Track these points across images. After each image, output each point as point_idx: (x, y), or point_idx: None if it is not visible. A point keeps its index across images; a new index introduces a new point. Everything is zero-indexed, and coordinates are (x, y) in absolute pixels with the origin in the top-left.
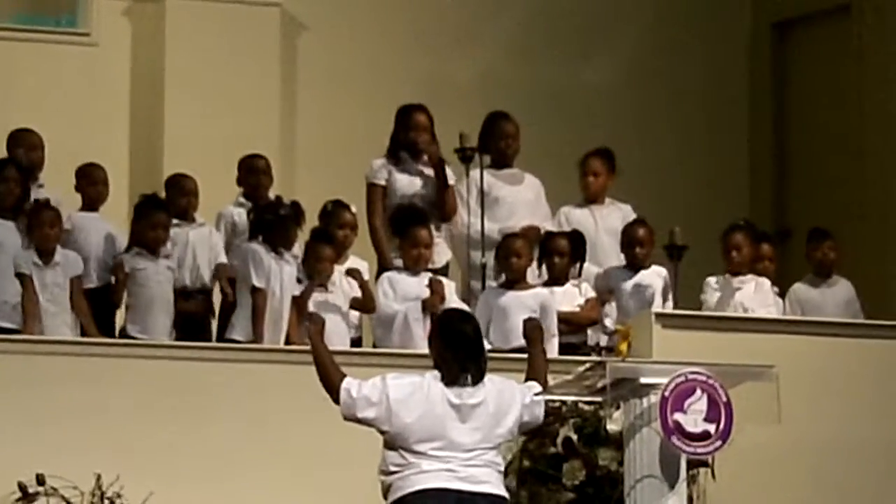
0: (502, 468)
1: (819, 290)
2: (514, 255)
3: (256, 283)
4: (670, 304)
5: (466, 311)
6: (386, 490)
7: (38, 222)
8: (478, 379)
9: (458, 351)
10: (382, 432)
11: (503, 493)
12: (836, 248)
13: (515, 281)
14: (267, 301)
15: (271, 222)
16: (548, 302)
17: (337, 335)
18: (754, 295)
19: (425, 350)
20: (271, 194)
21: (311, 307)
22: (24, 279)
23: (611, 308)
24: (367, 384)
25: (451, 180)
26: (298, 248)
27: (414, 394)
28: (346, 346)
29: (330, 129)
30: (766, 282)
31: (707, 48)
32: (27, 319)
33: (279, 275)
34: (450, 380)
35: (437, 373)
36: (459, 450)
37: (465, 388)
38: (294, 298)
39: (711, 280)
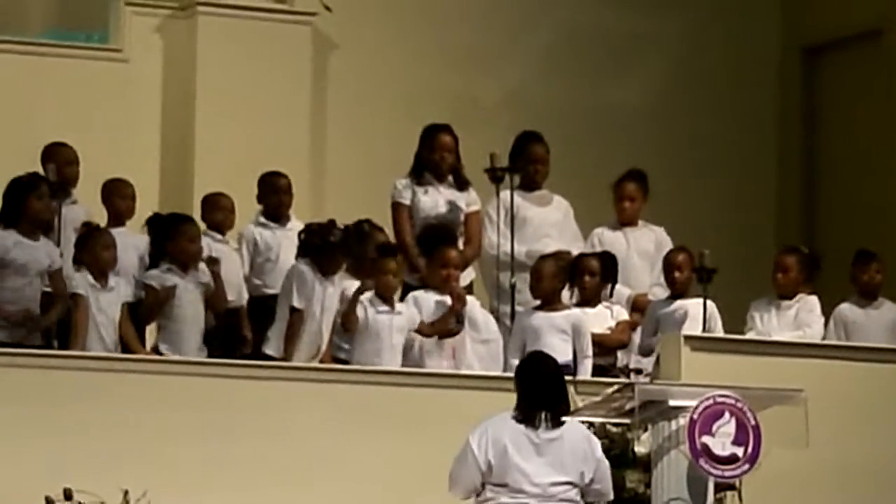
0: None
1: (864, 312)
2: (543, 278)
3: (296, 303)
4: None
5: (547, 354)
6: None
7: (93, 246)
8: (556, 420)
9: (536, 392)
10: None
11: None
12: (883, 270)
13: (547, 303)
14: (304, 322)
15: (320, 247)
16: (580, 322)
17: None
18: (796, 317)
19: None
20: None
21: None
22: (78, 299)
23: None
24: (462, 464)
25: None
26: None
27: (494, 440)
28: (399, 364)
29: (359, 146)
30: (811, 300)
31: (737, 71)
32: (76, 338)
33: (321, 297)
34: (526, 417)
35: (514, 411)
36: (536, 483)
37: (540, 427)
38: (343, 317)
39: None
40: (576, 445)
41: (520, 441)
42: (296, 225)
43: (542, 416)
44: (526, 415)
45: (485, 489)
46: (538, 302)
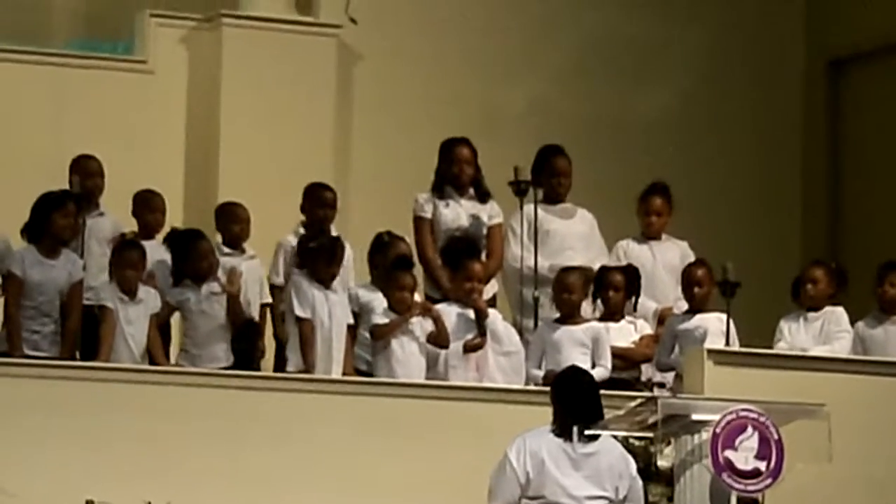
0: None
1: (883, 328)
2: (566, 291)
3: (300, 313)
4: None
5: (583, 368)
6: None
7: (122, 262)
8: (589, 436)
9: (572, 406)
10: None
11: None
12: None
13: (569, 316)
14: (315, 331)
15: (318, 253)
16: (600, 335)
17: (417, 366)
18: (822, 330)
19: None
20: None
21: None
22: (105, 311)
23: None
24: (501, 478)
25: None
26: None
27: (532, 453)
28: (423, 377)
29: (384, 157)
30: (837, 310)
31: (761, 85)
32: (103, 350)
33: (325, 304)
34: (562, 432)
35: (552, 425)
36: (573, 496)
37: (577, 441)
38: (373, 328)
39: (783, 324)
40: (612, 461)
41: (557, 455)
42: None
43: (579, 430)
44: (563, 429)
45: (521, 502)
46: (557, 315)
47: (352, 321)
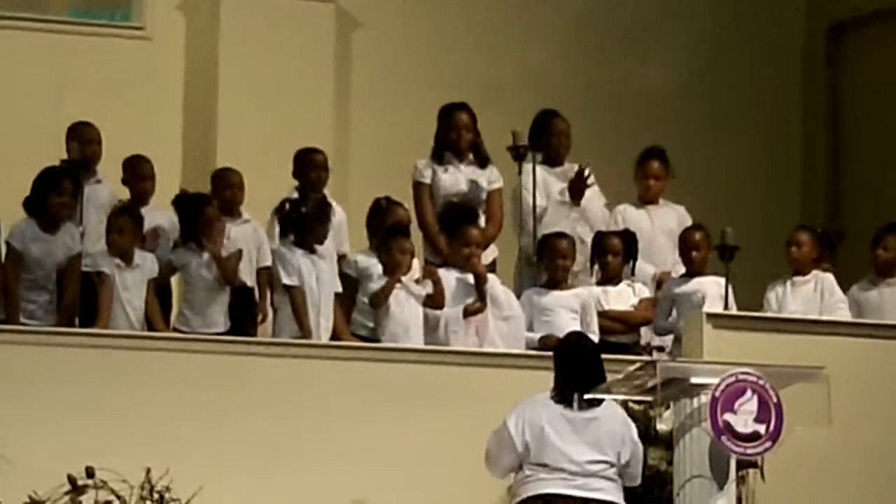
0: (621, 486)
1: (878, 291)
2: (559, 257)
3: (287, 280)
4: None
5: (584, 335)
6: (511, 497)
7: (111, 228)
8: (589, 402)
9: (573, 372)
10: None
11: (619, 501)
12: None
13: (560, 281)
14: (305, 297)
15: (295, 220)
16: (589, 302)
17: (417, 328)
18: (813, 295)
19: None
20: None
21: (394, 302)
22: (103, 278)
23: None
24: (499, 446)
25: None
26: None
27: (531, 421)
28: (422, 342)
29: (383, 125)
30: (828, 277)
31: (761, 49)
32: (100, 317)
33: (313, 271)
34: (563, 398)
35: (552, 391)
36: (575, 461)
37: (578, 407)
38: (372, 296)
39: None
40: (614, 427)
41: (557, 421)
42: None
43: (579, 396)
44: (563, 395)
45: (523, 468)
46: (544, 279)
47: (339, 287)
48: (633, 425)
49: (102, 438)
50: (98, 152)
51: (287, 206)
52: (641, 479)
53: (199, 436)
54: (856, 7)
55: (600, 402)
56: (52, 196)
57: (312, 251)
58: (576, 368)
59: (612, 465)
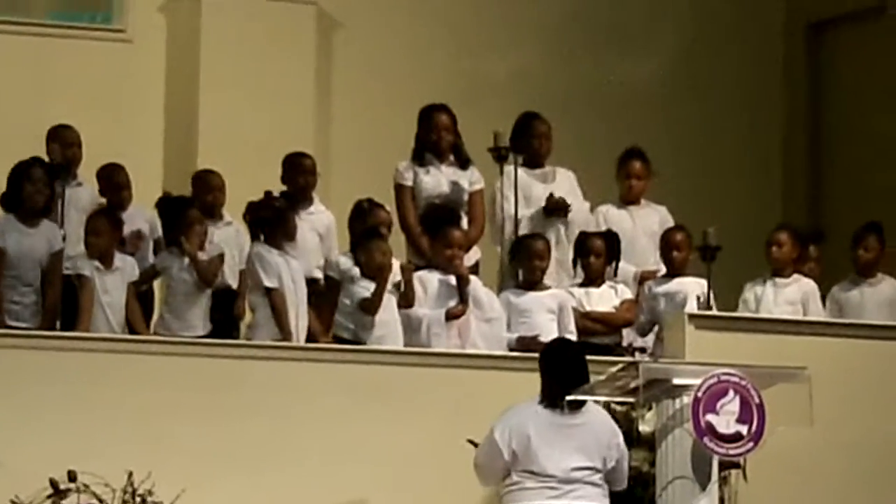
0: (606, 491)
1: (859, 290)
2: (536, 258)
3: (268, 283)
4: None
5: (570, 340)
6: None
7: (88, 231)
8: (576, 405)
9: (559, 378)
10: None
11: None
12: (878, 246)
13: (536, 282)
14: (285, 299)
15: (269, 219)
16: (566, 302)
17: (399, 330)
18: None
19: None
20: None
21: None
22: (83, 280)
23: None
24: (486, 455)
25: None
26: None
27: (518, 430)
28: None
29: (365, 126)
30: (811, 284)
31: (742, 48)
32: (82, 319)
33: (288, 270)
34: (549, 403)
35: (538, 397)
36: (562, 467)
37: (565, 412)
38: (364, 301)
39: (751, 284)
40: (600, 432)
41: (544, 427)
42: (319, 208)
43: (567, 401)
44: (550, 400)
45: (511, 475)
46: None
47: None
48: (618, 430)
49: (84, 442)
50: (78, 155)
51: (257, 206)
52: None
53: (181, 439)
54: (834, 6)
55: (585, 406)
56: (26, 185)
57: (285, 251)
58: (563, 373)
59: (598, 471)
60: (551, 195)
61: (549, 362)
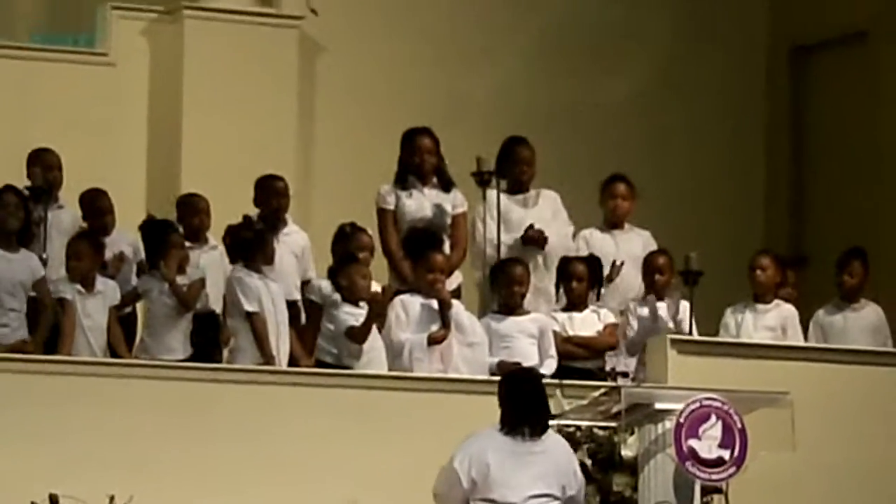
0: None
1: (843, 315)
2: (515, 283)
3: (249, 307)
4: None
5: (530, 369)
6: None
7: (69, 254)
8: (537, 433)
9: (518, 407)
10: None
11: None
12: (861, 272)
13: (516, 307)
14: (266, 323)
15: (250, 241)
16: (546, 326)
17: (381, 354)
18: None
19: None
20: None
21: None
22: (65, 304)
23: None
24: (446, 484)
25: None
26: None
27: (478, 458)
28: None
29: (347, 149)
30: (791, 310)
31: (725, 72)
32: (63, 343)
33: (268, 294)
34: (509, 431)
35: (498, 424)
36: (521, 495)
37: (526, 440)
38: (352, 329)
39: (731, 310)
40: (560, 460)
41: (504, 455)
42: (292, 229)
43: (526, 429)
44: (511, 428)
45: (469, 503)
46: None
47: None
48: (575, 457)
49: (66, 464)
50: (59, 178)
51: (237, 228)
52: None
53: (163, 462)
54: (817, 31)
55: (545, 433)
56: None
57: (264, 274)
58: (523, 401)
59: (557, 499)
60: (531, 226)
61: (509, 390)
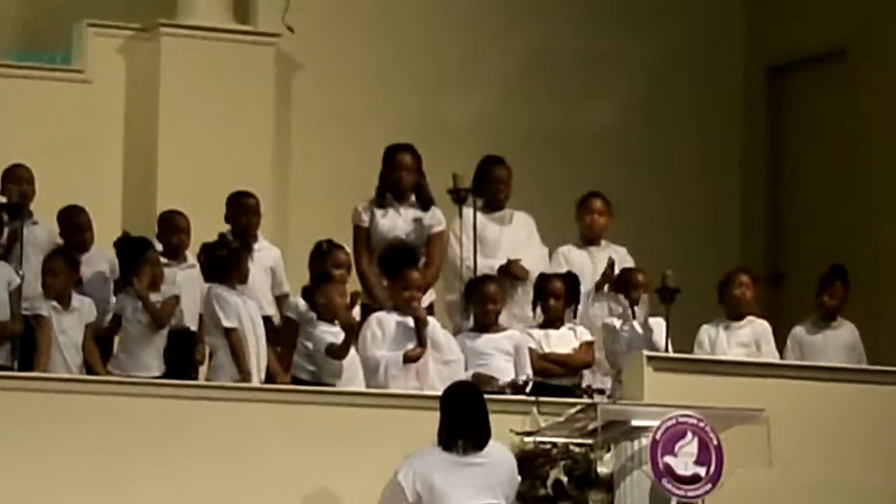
0: None
1: (822, 334)
2: (490, 301)
3: (227, 323)
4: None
5: (471, 384)
6: None
7: (45, 271)
8: (471, 447)
9: (453, 422)
10: None
11: None
12: (840, 293)
13: (490, 324)
14: (243, 339)
15: (226, 259)
16: (521, 343)
17: (358, 372)
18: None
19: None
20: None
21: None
22: (41, 321)
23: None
24: (392, 496)
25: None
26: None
27: (421, 473)
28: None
29: (323, 167)
30: (764, 325)
31: (702, 92)
32: (40, 359)
33: (246, 311)
34: (449, 444)
35: (438, 439)
36: None
37: (466, 453)
38: (332, 346)
39: (706, 327)
40: (502, 468)
41: (447, 468)
42: (263, 245)
43: (462, 443)
44: (448, 442)
45: None
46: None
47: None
48: (515, 465)
49: (41, 481)
50: (31, 192)
51: (212, 246)
52: None
53: (139, 479)
54: (794, 50)
55: (486, 444)
56: None
57: (240, 292)
58: (461, 415)
59: None
60: (516, 261)
61: (449, 404)
